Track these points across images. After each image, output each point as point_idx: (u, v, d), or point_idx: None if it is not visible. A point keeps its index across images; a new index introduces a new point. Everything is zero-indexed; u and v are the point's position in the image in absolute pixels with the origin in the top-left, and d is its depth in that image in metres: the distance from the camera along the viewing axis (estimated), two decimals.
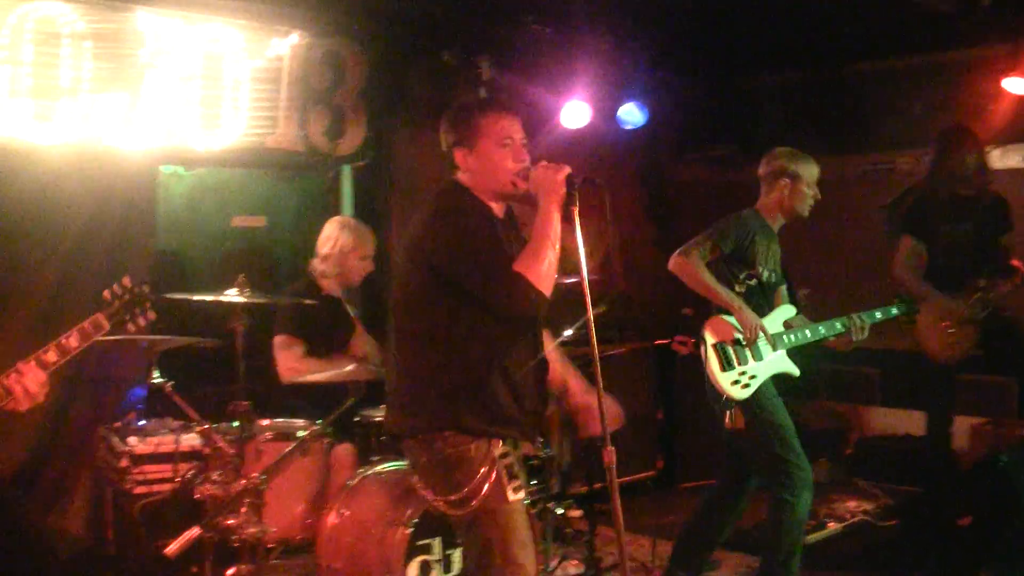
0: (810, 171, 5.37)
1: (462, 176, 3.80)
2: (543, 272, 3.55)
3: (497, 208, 3.82)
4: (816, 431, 7.76)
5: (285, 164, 6.74)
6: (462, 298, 3.60)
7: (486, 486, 3.58)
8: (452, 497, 3.61)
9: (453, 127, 3.83)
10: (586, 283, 3.55)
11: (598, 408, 3.51)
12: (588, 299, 3.52)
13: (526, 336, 3.77)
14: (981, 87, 7.25)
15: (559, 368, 4.06)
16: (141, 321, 3.80)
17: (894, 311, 5.61)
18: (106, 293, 3.76)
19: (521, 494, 3.68)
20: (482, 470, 3.59)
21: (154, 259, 6.08)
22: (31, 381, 3.64)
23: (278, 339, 5.54)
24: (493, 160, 3.73)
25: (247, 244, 6.98)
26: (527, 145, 3.79)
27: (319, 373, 5.07)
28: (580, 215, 3.60)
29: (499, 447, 3.64)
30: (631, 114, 7.70)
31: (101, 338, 3.97)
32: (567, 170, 3.62)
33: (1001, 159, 7.54)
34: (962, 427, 6.79)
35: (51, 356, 3.71)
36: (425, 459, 3.68)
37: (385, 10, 6.58)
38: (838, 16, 6.87)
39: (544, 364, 3.87)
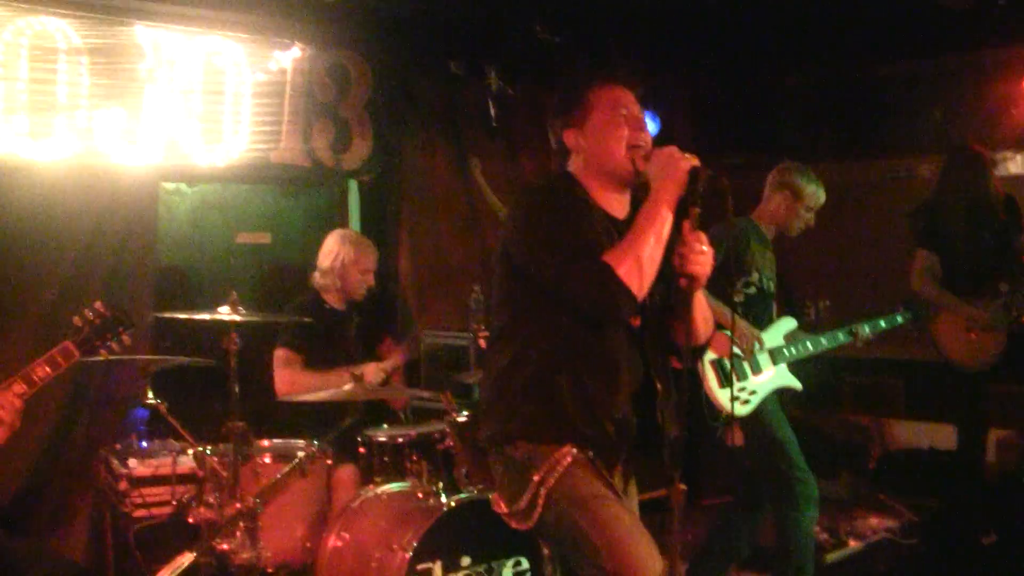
0: (814, 195, 5.27)
1: (574, 163, 3.37)
2: (637, 266, 3.08)
3: (617, 204, 3.37)
4: (838, 444, 7.59)
5: (290, 179, 6.66)
6: (538, 294, 3.22)
7: (552, 480, 3.16)
8: (518, 506, 3.21)
9: (561, 107, 3.40)
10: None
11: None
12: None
13: (616, 342, 3.28)
14: (1002, 89, 7.12)
15: None
16: (115, 346, 3.69)
17: (899, 319, 5.55)
18: (76, 319, 3.67)
19: (610, 492, 3.22)
20: (549, 467, 3.18)
21: (156, 277, 5.98)
22: (3, 409, 3.52)
23: (278, 353, 5.45)
24: (606, 134, 3.28)
25: (252, 261, 6.87)
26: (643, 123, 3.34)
27: (316, 392, 4.95)
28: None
29: (572, 452, 3.20)
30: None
31: (95, 359, 3.90)
32: (694, 161, 3.15)
33: (1022, 164, 7.40)
34: (988, 439, 6.61)
35: (19, 387, 3.61)
36: (500, 469, 3.32)
37: (390, 21, 6.48)
38: (855, 18, 6.72)
39: (644, 372, 3.35)
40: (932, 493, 6.87)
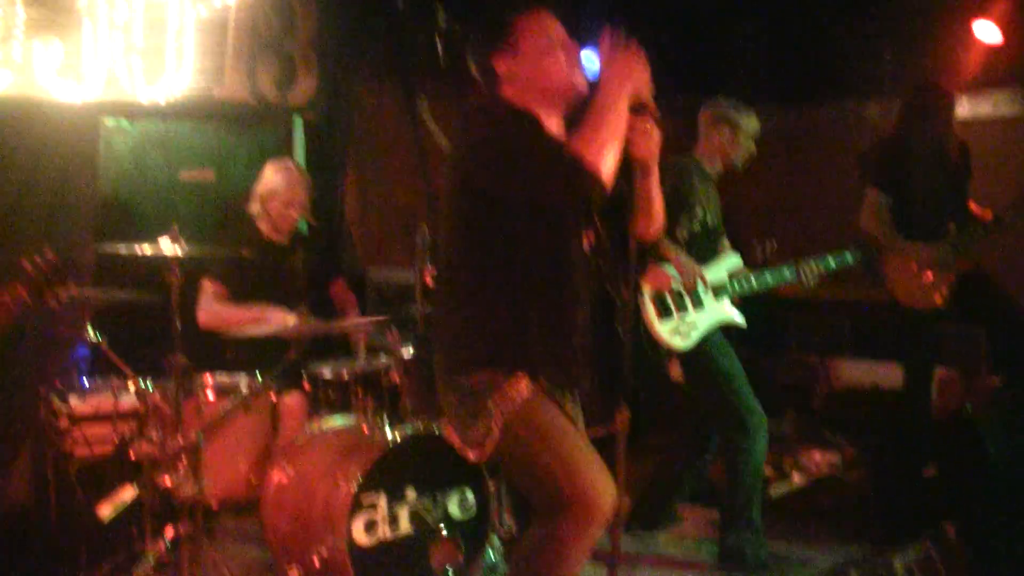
0: (750, 124, 5.29)
1: (508, 90, 3.33)
2: (603, 151, 3.04)
3: (555, 126, 3.34)
4: (783, 384, 7.65)
5: (234, 116, 6.56)
6: (504, 218, 3.18)
7: (510, 406, 3.15)
8: (473, 435, 3.20)
9: (485, 33, 3.37)
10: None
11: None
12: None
13: (577, 269, 3.31)
14: (951, 32, 7.11)
15: None
16: (62, 294, 3.66)
17: (849, 258, 5.51)
18: (26, 263, 3.62)
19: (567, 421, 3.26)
20: (505, 394, 3.17)
21: (97, 214, 5.89)
22: None
23: (204, 283, 5.34)
24: (542, 58, 3.28)
25: (196, 198, 6.76)
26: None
27: (256, 328, 4.91)
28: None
29: (527, 381, 3.19)
30: (589, 61, 7.44)
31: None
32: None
33: (971, 107, 7.42)
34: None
35: None
36: (453, 399, 3.28)
37: None
38: None
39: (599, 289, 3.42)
40: (876, 431, 6.95)
